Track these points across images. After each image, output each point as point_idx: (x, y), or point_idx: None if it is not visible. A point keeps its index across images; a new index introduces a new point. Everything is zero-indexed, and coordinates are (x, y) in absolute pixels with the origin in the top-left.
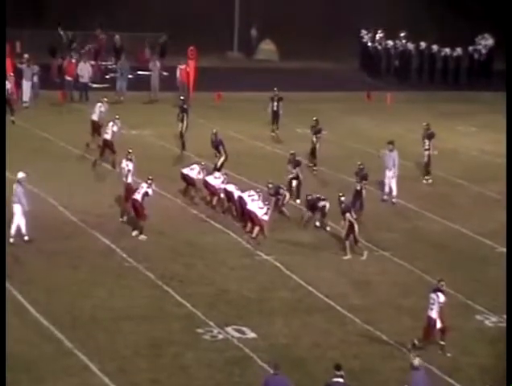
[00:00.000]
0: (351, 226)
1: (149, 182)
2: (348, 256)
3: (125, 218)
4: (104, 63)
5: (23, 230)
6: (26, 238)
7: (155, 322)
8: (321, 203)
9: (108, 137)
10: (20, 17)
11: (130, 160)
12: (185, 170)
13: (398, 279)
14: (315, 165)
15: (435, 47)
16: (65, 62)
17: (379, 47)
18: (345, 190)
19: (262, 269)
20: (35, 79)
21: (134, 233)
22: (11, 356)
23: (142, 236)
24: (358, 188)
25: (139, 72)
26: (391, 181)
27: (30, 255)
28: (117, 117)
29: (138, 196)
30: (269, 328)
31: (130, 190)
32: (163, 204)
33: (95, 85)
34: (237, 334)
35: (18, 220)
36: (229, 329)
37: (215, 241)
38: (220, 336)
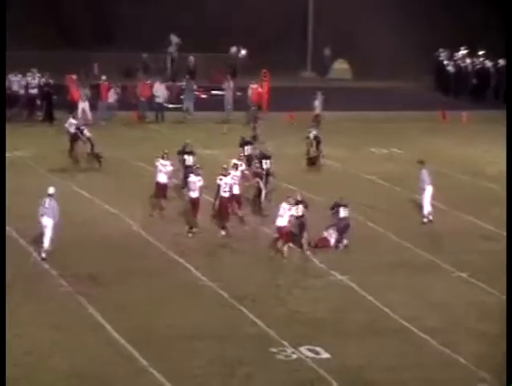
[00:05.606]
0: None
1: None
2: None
3: (194, 230)
4: (179, 83)
5: (46, 244)
6: (43, 255)
7: (229, 341)
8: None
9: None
10: (96, 40)
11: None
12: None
13: (475, 301)
14: None
15: None
16: (140, 83)
17: (456, 65)
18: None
19: (335, 290)
20: (113, 100)
21: (223, 232)
22: (86, 374)
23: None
24: (300, 214)
25: (213, 92)
26: (427, 199)
27: (107, 273)
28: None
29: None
30: (343, 349)
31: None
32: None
33: (170, 105)
34: (310, 354)
35: (49, 233)
36: (302, 349)
37: (287, 261)
38: (294, 356)
